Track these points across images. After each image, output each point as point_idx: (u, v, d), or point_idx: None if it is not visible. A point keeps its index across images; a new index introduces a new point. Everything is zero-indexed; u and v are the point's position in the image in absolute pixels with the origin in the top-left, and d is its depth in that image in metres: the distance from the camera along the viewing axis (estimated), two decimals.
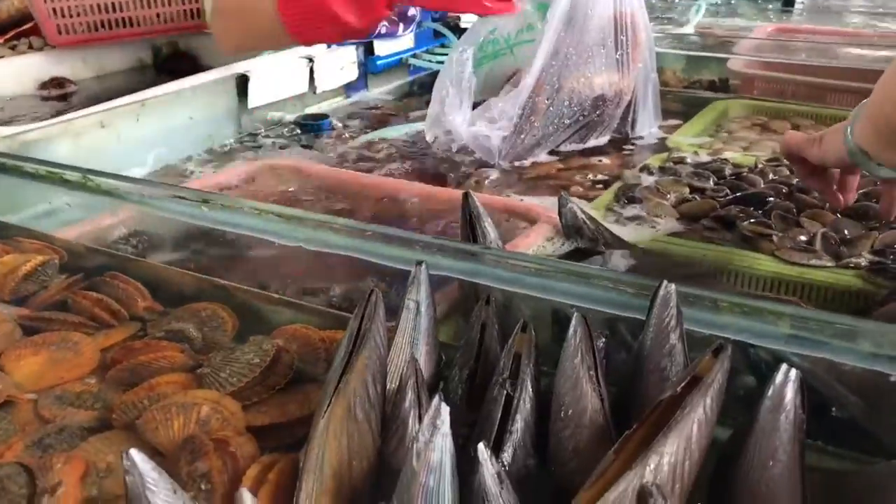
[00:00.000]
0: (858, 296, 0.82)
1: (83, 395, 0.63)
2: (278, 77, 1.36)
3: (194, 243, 0.84)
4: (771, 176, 1.10)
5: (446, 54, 1.68)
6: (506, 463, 0.48)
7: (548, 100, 1.23)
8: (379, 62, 1.60)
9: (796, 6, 2.34)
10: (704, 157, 1.24)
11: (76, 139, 1.07)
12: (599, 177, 1.18)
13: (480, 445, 0.41)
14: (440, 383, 0.59)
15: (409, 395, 0.49)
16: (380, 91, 1.64)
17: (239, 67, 1.31)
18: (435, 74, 1.69)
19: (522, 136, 1.22)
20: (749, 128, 1.41)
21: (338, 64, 1.49)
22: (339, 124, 1.43)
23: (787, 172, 1.10)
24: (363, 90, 1.61)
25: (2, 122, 1.23)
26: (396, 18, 1.62)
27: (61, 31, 1.45)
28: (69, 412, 0.61)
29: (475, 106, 1.21)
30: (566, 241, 0.93)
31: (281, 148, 1.32)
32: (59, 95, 1.45)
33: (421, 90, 1.69)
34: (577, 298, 0.57)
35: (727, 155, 1.24)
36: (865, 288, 0.82)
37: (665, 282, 0.53)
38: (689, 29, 1.85)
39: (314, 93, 1.46)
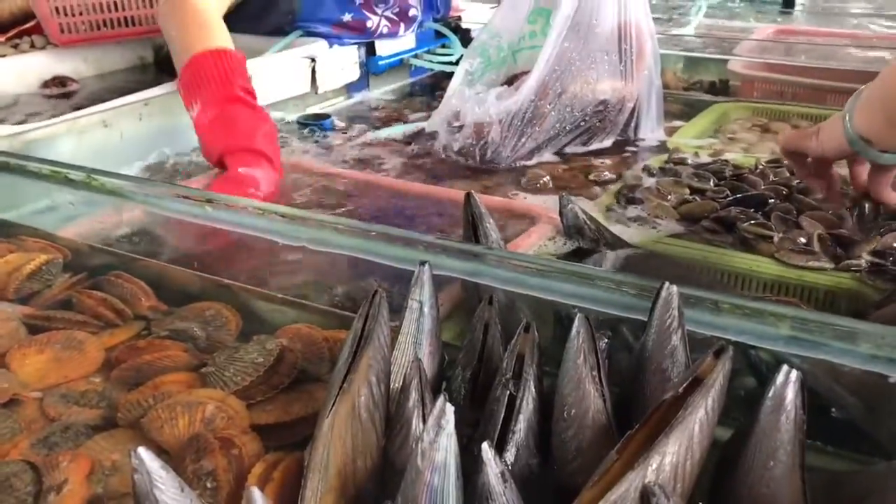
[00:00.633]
0: (858, 298, 0.82)
1: (88, 394, 0.64)
2: (281, 77, 1.37)
3: (198, 242, 0.85)
4: (771, 177, 1.10)
5: (448, 54, 1.69)
6: (509, 462, 0.48)
7: (550, 104, 1.23)
8: (380, 62, 1.60)
9: (796, 7, 2.35)
10: (705, 158, 1.24)
11: (79, 138, 1.08)
12: (601, 177, 1.18)
13: (484, 445, 0.42)
14: (443, 383, 0.60)
15: (413, 395, 0.50)
16: (381, 91, 1.65)
17: None
18: (436, 75, 1.71)
19: (524, 140, 1.22)
20: (749, 129, 1.42)
21: (340, 64, 1.49)
22: (341, 124, 1.43)
23: (788, 174, 1.11)
24: (365, 90, 1.62)
25: (5, 120, 1.23)
26: (397, 18, 1.63)
27: (64, 30, 1.46)
28: (74, 410, 0.62)
29: None
30: (567, 242, 0.93)
31: (282, 147, 1.32)
32: (62, 94, 1.45)
33: (422, 90, 1.70)
34: (580, 299, 0.58)
35: (728, 156, 1.24)
36: (864, 290, 0.82)
37: (667, 283, 0.53)
38: (689, 30, 1.85)
39: (316, 93, 1.46)
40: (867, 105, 0.76)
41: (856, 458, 0.53)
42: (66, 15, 1.45)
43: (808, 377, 0.47)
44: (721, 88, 1.68)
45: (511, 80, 1.34)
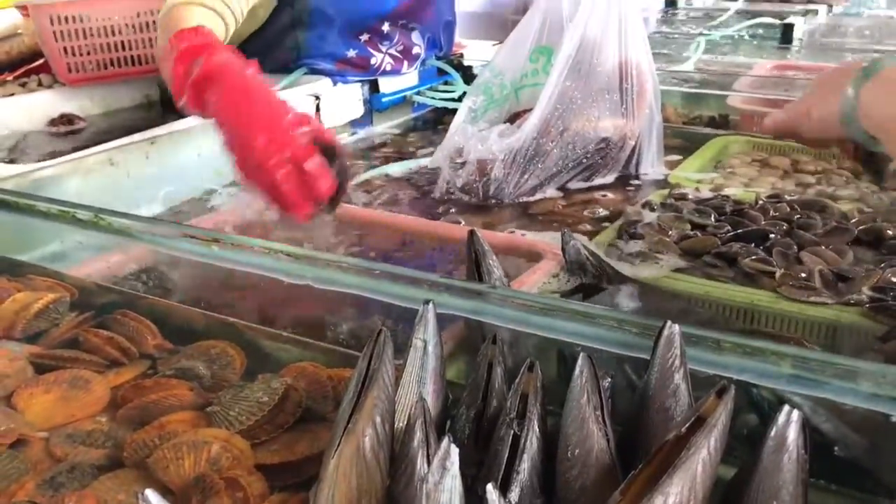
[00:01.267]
0: (860, 332, 0.82)
1: (94, 434, 0.64)
2: None
3: (204, 281, 0.85)
4: (771, 212, 1.11)
5: (450, 91, 1.71)
6: (513, 502, 0.49)
7: (552, 142, 1.25)
8: (384, 99, 1.62)
9: (794, 43, 2.38)
10: (706, 193, 1.25)
11: (86, 177, 1.09)
12: (602, 213, 1.19)
13: (489, 486, 0.42)
14: (448, 422, 0.60)
15: (418, 435, 0.50)
16: (384, 127, 1.66)
17: None
18: (438, 111, 1.73)
19: (526, 177, 1.24)
20: (749, 164, 1.43)
21: (344, 101, 1.51)
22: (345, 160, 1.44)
23: (788, 209, 1.12)
24: (368, 126, 1.63)
25: (13, 158, 1.25)
26: (401, 56, 1.65)
27: (72, 69, 1.48)
28: (80, 451, 0.62)
29: None
30: (570, 278, 0.94)
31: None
32: (69, 132, 1.47)
33: (425, 126, 1.72)
34: (583, 338, 0.58)
35: (728, 191, 1.25)
36: (866, 325, 0.82)
37: (669, 322, 0.54)
38: (688, 65, 1.88)
39: None
40: (885, 106, 0.72)
41: (859, 496, 0.53)
42: (73, 54, 1.47)
43: (810, 415, 0.47)
44: (721, 123, 1.70)
45: (513, 118, 1.35)
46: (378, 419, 0.53)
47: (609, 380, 0.58)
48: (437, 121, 1.72)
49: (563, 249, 0.94)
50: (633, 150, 1.35)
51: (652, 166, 1.36)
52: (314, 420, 0.64)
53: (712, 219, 1.11)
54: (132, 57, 1.53)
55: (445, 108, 1.69)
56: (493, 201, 1.24)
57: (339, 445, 0.50)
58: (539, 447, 0.51)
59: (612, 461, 0.50)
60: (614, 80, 1.29)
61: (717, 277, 0.95)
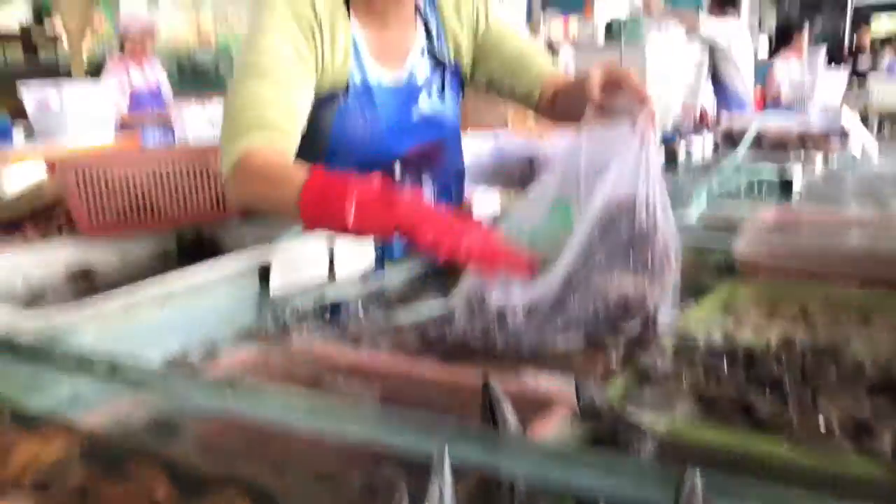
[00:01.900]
0: (881, 484, 0.80)
1: None
2: (299, 265, 1.41)
3: (215, 430, 0.85)
4: (784, 359, 1.11)
5: None
6: None
7: (574, 296, 1.26)
8: (396, 247, 1.66)
9: (795, 192, 2.44)
10: (716, 339, 1.25)
11: (102, 326, 1.10)
12: (616, 360, 1.19)
13: None
14: None
15: None
16: (397, 274, 1.69)
17: (262, 256, 1.36)
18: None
19: (546, 328, 1.25)
20: (758, 310, 1.44)
21: (357, 251, 1.55)
22: (357, 309, 1.46)
23: (801, 356, 1.11)
24: (381, 275, 1.66)
25: (30, 307, 1.27)
26: None
27: (93, 221, 1.53)
28: None
29: None
30: (585, 426, 0.93)
31: (299, 333, 1.34)
32: (87, 281, 1.50)
33: (437, 274, 1.74)
34: (602, 488, 0.57)
35: (739, 337, 1.26)
36: (887, 475, 0.81)
37: (689, 470, 0.53)
38: (691, 214, 1.92)
39: (333, 279, 1.50)
40: None
41: None
42: (95, 206, 1.52)
43: None
44: (726, 270, 1.72)
45: None
46: None
47: None
48: (449, 270, 1.74)
49: (577, 397, 0.94)
50: (653, 309, 1.37)
51: (668, 318, 1.37)
52: None
53: (725, 365, 1.10)
54: (152, 209, 1.58)
55: None
56: (512, 351, 1.24)
57: None
58: None
59: None
60: (640, 240, 1.32)
61: (734, 426, 0.94)
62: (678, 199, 2.22)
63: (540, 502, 0.65)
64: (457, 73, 1.90)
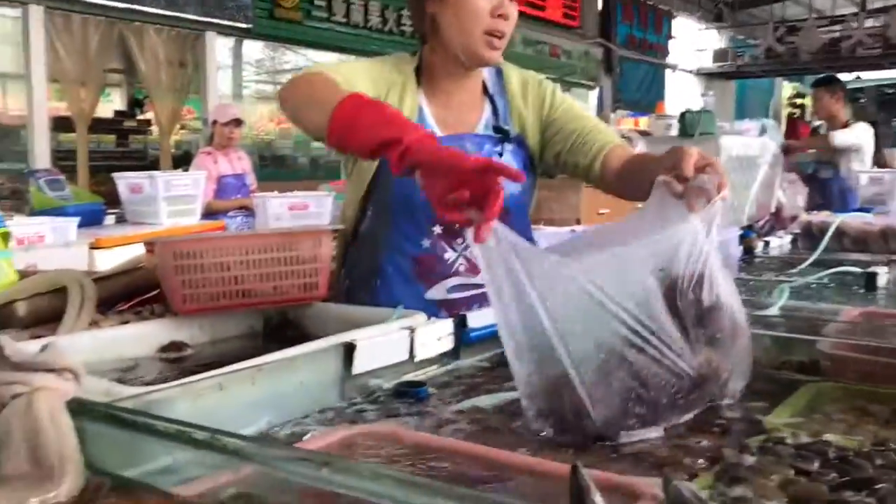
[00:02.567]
0: None
1: None
2: (382, 346, 1.44)
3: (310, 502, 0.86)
4: (878, 461, 1.08)
5: None
6: None
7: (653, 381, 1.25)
8: (473, 334, 1.68)
9: (879, 290, 2.39)
10: (804, 438, 1.22)
11: (195, 400, 1.14)
12: (698, 455, 1.17)
13: None
14: None
15: None
16: (474, 360, 1.70)
17: (346, 337, 1.40)
18: None
19: (626, 418, 1.24)
20: (846, 411, 1.40)
21: (436, 334, 1.57)
22: (435, 391, 1.47)
23: (895, 457, 1.08)
24: (457, 359, 1.67)
25: (128, 381, 1.33)
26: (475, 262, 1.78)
27: (186, 301, 1.59)
28: None
29: None
30: None
31: (379, 414, 1.36)
32: (177, 358, 1.56)
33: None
34: None
35: (828, 437, 1.22)
36: None
37: None
38: (773, 310, 1.90)
39: (413, 361, 1.53)
40: None
41: None
42: (191, 287, 1.59)
43: None
44: (811, 368, 1.68)
45: None
46: None
47: None
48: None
49: (666, 492, 0.92)
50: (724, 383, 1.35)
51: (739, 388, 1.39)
52: None
53: (816, 465, 1.08)
54: (242, 291, 1.64)
55: None
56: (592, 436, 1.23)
57: None
58: None
59: None
60: (711, 317, 1.32)
61: None
62: (758, 294, 2.19)
63: None
64: (521, 145, 1.96)
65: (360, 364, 1.40)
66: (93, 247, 4.06)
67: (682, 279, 1.32)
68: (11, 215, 4.12)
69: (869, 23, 15.10)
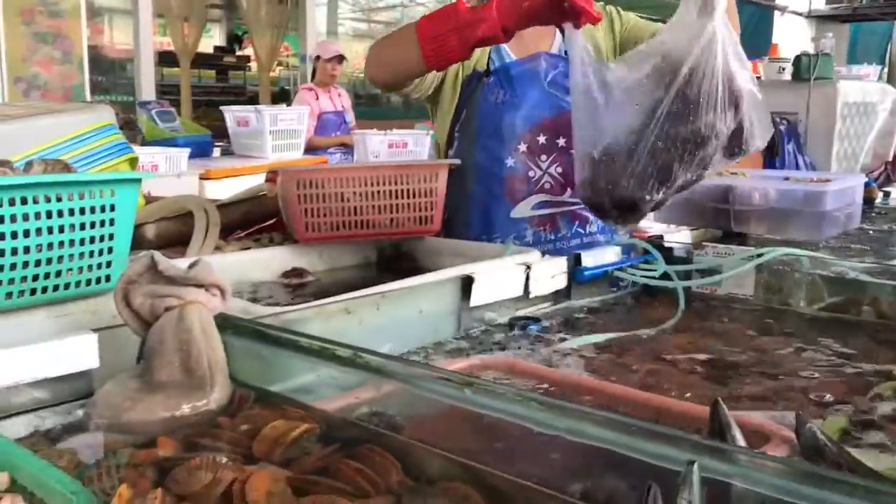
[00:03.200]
0: None
1: None
2: (499, 280, 1.46)
3: (448, 423, 0.89)
4: None
5: (652, 269, 1.74)
6: None
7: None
8: (586, 272, 1.67)
9: None
10: None
11: (326, 322, 1.19)
12: (824, 398, 1.15)
13: None
14: None
15: None
16: (586, 300, 1.70)
17: (465, 270, 1.42)
18: (640, 288, 1.76)
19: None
20: None
21: (550, 272, 1.58)
22: (548, 327, 1.49)
23: None
24: (570, 298, 1.68)
25: (260, 303, 1.38)
26: (561, 179, 1.92)
27: (308, 229, 1.64)
28: None
29: None
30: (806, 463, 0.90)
31: (494, 346, 1.38)
32: (299, 284, 1.61)
33: (624, 302, 1.74)
34: None
35: None
36: None
37: None
38: None
39: (528, 297, 1.54)
40: None
41: None
42: (312, 216, 1.63)
43: None
44: None
45: None
46: None
47: None
48: (637, 297, 1.75)
49: (798, 432, 0.91)
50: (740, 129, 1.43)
51: (761, 140, 1.45)
52: None
53: None
54: (361, 221, 1.67)
55: (646, 286, 1.72)
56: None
57: None
58: None
59: None
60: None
61: None
62: (881, 243, 2.11)
63: None
64: None
65: (478, 297, 1.42)
66: (203, 177, 4.20)
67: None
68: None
69: None
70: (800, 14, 14.07)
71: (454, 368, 1.22)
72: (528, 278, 1.52)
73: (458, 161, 1.84)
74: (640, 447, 0.68)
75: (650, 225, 2.12)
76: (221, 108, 5.24)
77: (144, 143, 4.72)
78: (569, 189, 1.93)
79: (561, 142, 1.92)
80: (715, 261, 1.69)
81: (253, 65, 10.38)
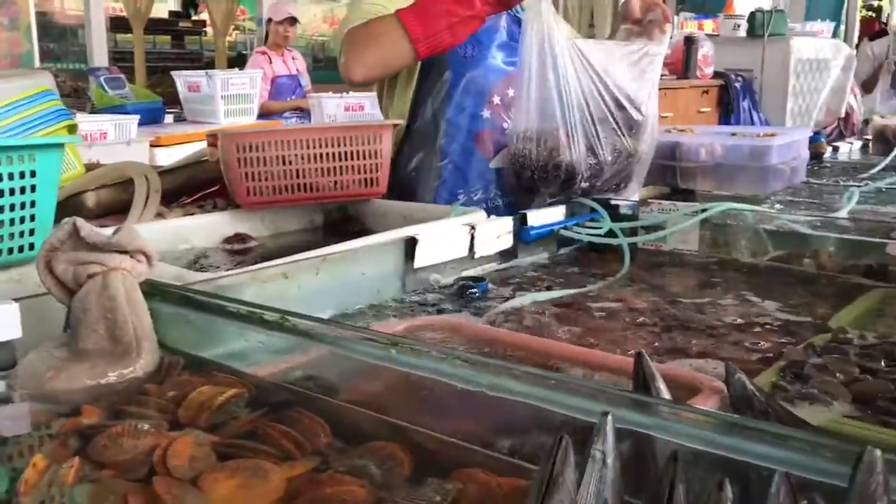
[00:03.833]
0: None
1: None
2: (443, 241, 1.45)
3: (376, 384, 0.89)
4: None
5: (598, 227, 1.74)
6: None
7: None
8: (532, 232, 1.67)
9: None
10: (870, 339, 1.20)
11: (262, 287, 1.17)
12: (759, 349, 1.17)
13: None
14: None
15: None
16: (531, 259, 1.70)
17: (408, 231, 1.41)
18: (586, 246, 1.76)
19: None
20: None
21: (495, 232, 1.57)
22: (494, 287, 1.48)
23: None
24: (515, 257, 1.68)
25: (195, 270, 1.36)
26: None
27: (250, 193, 1.61)
28: None
29: None
30: (735, 414, 0.91)
31: (439, 307, 1.38)
32: (242, 249, 1.59)
33: (570, 260, 1.75)
34: (772, 461, 0.57)
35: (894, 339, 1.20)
36: None
37: (869, 447, 0.52)
38: (842, 214, 1.85)
39: (472, 258, 1.53)
40: None
41: None
42: (254, 180, 1.60)
43: None
44: (879, 273, 1.64)
45: None
46: None
47: (805, 503, 0.55)
48: (582, 256, 1.75)
49: (728, 383, 0.92)
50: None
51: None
52: None
53: (882, 364, 1.06)
54: (304, 184, 1.65)
55: (591, 243, 1.73)
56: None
57: None
58: None
59: None
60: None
61: (894, 425, 0.90)
62: (827, 197, 2.14)
63: (700, 474, 0.65)
64: None
65: (422, 258, 1.41)
66: (153, 144, 4.12)
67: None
68: (74, 112, 4.18)
69: None
70: None
71: (395, 330, 1.22)
72: (472, 239, 1.52)
73: (401, 121, 1.83)
74: (559, 400, 0.68)
75: None
76: (172, 73, 5.13)
77: (94, 111, 4.62)
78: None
79: None
80: (660, 217, 1.70)
81: (209, 30, 10.16)
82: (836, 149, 2.97)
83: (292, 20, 6.00)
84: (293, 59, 6.14)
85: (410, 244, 1.39)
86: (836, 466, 0.54)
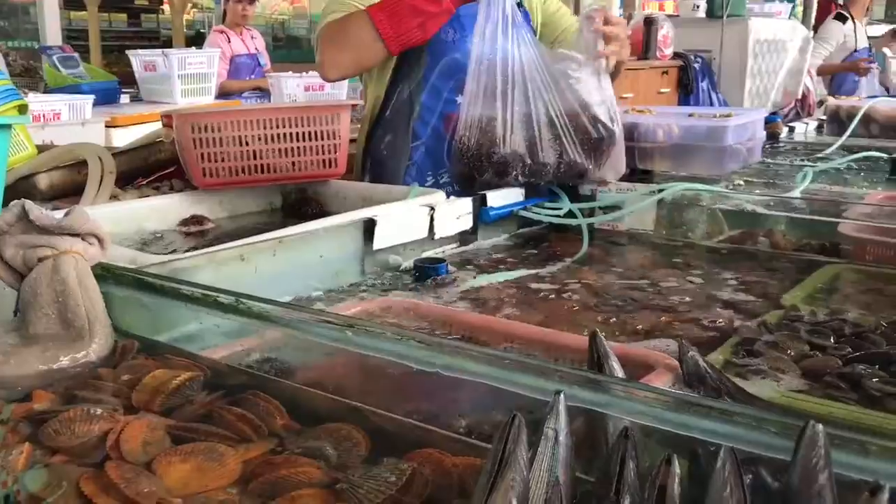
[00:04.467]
0: None
1: None
2: (402, 223, 1.44)
3: (332, 366, 0.88)
4: (893, 336, 1.08)
5: (557, 208, 1.75)
6: None
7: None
8: (492, 213, 1.67)
9: None
10: (821, 316, 1.23)
11: (218, 269, 1.16)
12: (714, 327, 1.19)
13: None
14: None
15: None
16: (492, 240, 1.71)
17: (367, 213, 1.40)
18: (546, 226, 1.77)
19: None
20: (864, 292, 1.40)
21: (455, 213, 1.57)
22: (453, 269, 1.49)
23: None
24: (476, 238, 1.68)
25: (152, 252, 1.34)
26: None
27: (206, 174, 1.59)
28: None
29: None
30: (687, 390, 0.93)
31: (398, 288, 1.38)
32: (199, 231, 1.57)
33: (529, 240, 1.75)
34: (718, 436, 0.58)
35: (846, 316, 1.23)
36: None
37: (811, 421, 0.53)
38: (795, 193, 1.88)
39: (432, 239, 1.53)
40: None
41: None
42: (210, 161, 1.58)
43: None
44: (831, 251, 1.67)
45: None
46: (514, 501, 0.53)
47: (750, 476, 0.57)
48: (543, 236, 1.76)
49: (681, 360, 0.94)
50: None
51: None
52: None
53: (831, 340, 1.09)
54: (261, 166, 1.63)
55: (551, 224, 1.74)
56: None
57: None
58: None
59: None
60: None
61: (840, 399, 0.92)
62: (782, 177, 2.17)
63: (651, 450, 0.66)
64: (527, 19, 2.09)
65: (381, 240, 1.41)
66: (109, 125, 4.03)
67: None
68: (26, 92, 4.08)
69: None
70: None
71: (353, 312, 1.22)
72: (432, 220, 1.52)
73: (359, 100, 1.82)
74: (513, 379, 0.68)
75: None
76: (128, 52, 5.03)
77: (47, 91, 4.51)
78: None
79: None
80: (618, 197, 1.72)
81: (166, 7, 9.96)
82: (791, 129, 3.01)
83: None
84: (252, 38, 6.05)
85: (369, 226, 1.38)
86: (781, 441, 0.56)
